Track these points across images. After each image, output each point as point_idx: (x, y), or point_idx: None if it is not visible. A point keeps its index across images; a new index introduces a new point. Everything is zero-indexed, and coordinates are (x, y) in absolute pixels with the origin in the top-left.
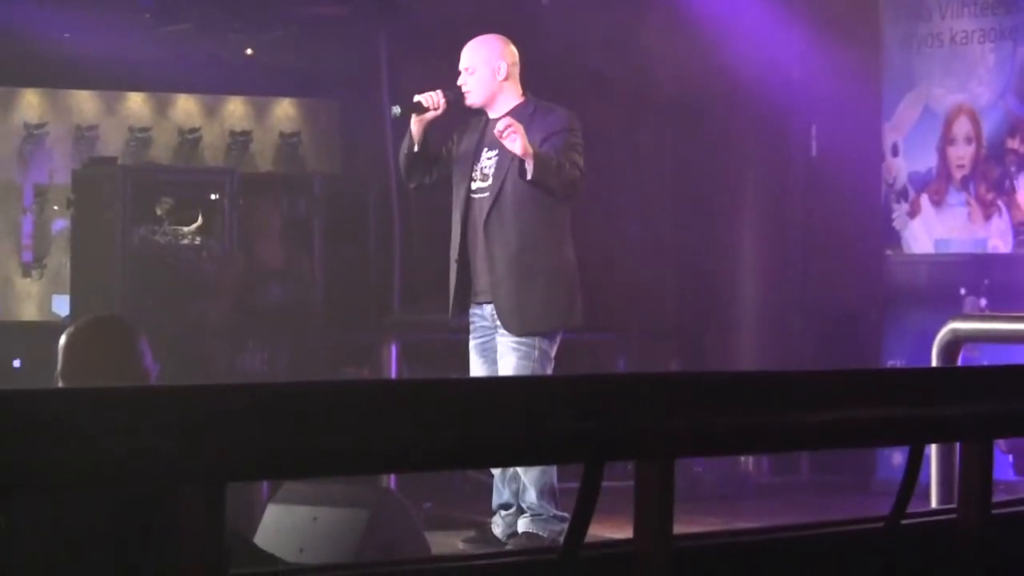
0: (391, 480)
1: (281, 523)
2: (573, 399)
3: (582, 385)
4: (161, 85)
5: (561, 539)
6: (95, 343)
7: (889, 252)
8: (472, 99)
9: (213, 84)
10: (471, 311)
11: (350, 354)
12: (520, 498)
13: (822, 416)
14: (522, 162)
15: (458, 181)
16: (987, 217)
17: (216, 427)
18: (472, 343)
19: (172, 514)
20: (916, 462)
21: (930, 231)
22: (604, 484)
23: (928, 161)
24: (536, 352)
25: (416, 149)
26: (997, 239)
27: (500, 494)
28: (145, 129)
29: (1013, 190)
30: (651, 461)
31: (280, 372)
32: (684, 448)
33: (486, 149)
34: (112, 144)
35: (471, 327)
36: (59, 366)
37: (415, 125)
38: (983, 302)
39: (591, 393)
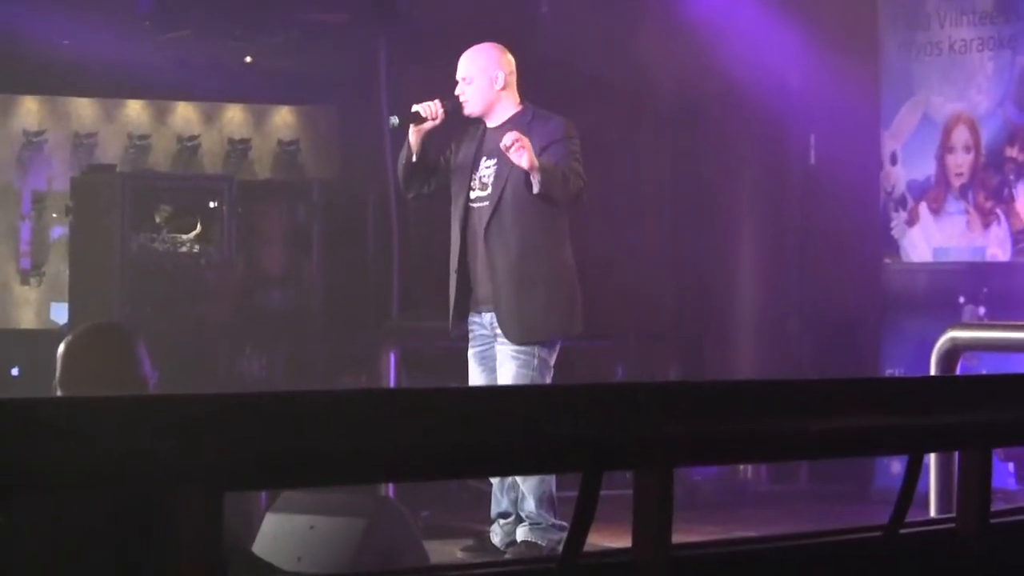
0: (389, 489)
1: (279, 532)
2: (572, 408)
3: (581, 394)
4: (160, 92)
5: (560, 548)
6: (94, 350)
7: (888, 260)
8: (470, 109)
9: (212, 91)
10: (470, 319)
11: (349, 361)
12: (519, 507)
13: (821, 425)
14: (526, 172)
15: (457, 191)
16: (986, 225)
17: (215, 435)
18: (471, 351)
19: (171, 520)
20: (915, 471)
21: (929, 239)
22: (603, 493)
23: (927, 169)
24: (535, 360)
25: (415, 159)
26: (996, 247)
27: (499, 503)
28: (144, 136)
29: (1012, 198)
30: (650, 470)
31: (279, 379)
32: (683, 457)
33: (484, 158)
34: (111, 151)
35: (470, 335)
36: (57, 374)
37: (413, 135)
38: (982, 310)
39: (590, 402)
